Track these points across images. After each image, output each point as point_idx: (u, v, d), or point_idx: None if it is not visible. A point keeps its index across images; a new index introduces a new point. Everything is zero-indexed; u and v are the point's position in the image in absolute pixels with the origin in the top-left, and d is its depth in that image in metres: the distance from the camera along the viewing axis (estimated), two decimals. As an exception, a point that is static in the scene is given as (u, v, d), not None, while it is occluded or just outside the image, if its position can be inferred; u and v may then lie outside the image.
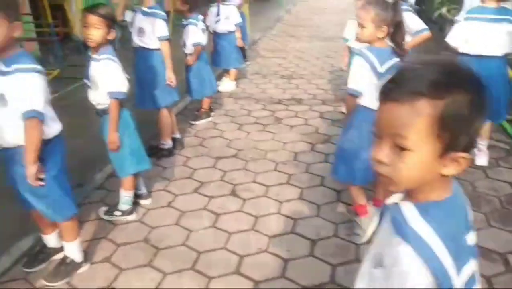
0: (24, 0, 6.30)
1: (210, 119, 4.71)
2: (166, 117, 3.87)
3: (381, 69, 2.39)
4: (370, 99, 2.40)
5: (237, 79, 5.83)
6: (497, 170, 3.46)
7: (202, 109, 4.67)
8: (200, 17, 4.38)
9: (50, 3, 6.77)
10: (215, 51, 5.40)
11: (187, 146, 4.12)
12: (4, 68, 2.06)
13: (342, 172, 2.65)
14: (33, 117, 2.09)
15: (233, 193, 3.33)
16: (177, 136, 4.07)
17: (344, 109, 4.73)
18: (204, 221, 3.00)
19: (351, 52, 4.48)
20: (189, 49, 4.32)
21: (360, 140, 2.47)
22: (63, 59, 6.46)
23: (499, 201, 3.06)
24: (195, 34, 4.26)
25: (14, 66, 2.06)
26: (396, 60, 2.42)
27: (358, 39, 2.51)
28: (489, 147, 3.74)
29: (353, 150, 2.54)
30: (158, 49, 3.67)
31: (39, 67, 2.12)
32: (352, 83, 2.47)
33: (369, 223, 2.70)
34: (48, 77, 5.61)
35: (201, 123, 4.62)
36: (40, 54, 6.55)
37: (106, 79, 2.73)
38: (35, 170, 2.14)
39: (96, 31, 2.65)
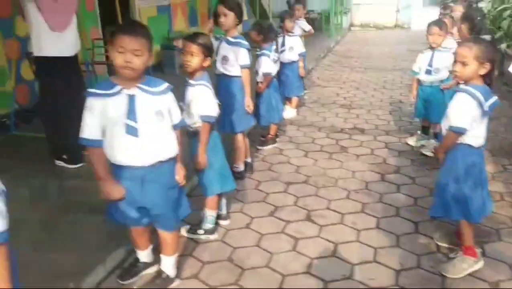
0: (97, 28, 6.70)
1: (276, 145, 4.81)
2: (241, 141, 3.99)
3: (486, 107, 2.42)
4: (473, 137, 2.44)
5: (298, 107, 5.94)
6: None
7: (269, 135, 4.78)
8: (273, 47, 4.55)
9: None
10: (279, 80, 5.53)
11: (257, 171, 4.21)
12: (154, 89, 2.25)
13: (454, 210, 2.63)
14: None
15: (309, 219, 3.38)
16: (249, 160, 4.18)
17: (410, 141, 4.75)
18: (283, 244, 3.06)
19: (420, 85, 4.53)
20: (260, 77, 4.47)
21: (468, 177, 2.52)
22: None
23: None
24: (266, 64, 4.43)
25: (161, 87, 2.29)
26: (495, 97, 2.45)
27: (458, 76, 2.53)
28: None
29: (464, 187, 2.56)
30: (239, 76, 3.82)
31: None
32: (457, 121, 2.46)
33: (473, 264, 2.70)
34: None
35: (267, 148, 4.72)
36: (108, 75, 6.88)
37: (200, 103, 2.89)
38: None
39: (193, 58, 2.83)
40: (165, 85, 2.30)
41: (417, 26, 14.80)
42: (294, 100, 5.83)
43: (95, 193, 3.50)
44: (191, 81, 2.93)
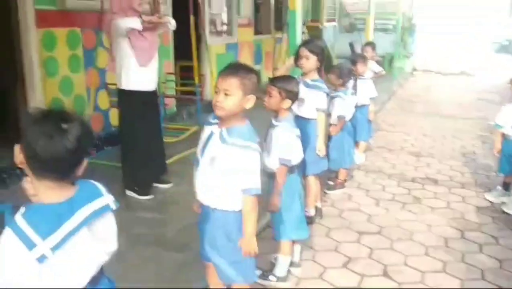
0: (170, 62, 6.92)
1: (344, 190, 4.66)
2: (313, 185, 3.88)
3: None
4: None
5: (365, 151, 5.79)
6: None
7: (338, 180, 4.65)
8: (350, 90, 4.47)
9: (184, 65, 7.35)
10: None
11: (326, 216, 4.07)
12: (227, 138, 2.14)
13: None
14: (254, 195, 2.17)
15: (386, 274, 3.18)
16: (319, 205, 4.05)
17: (489, 197, 4.48)
18: (361, 301, 2.88)
19: (505, 139, 4.29)
20: (334, 120, 4.38)
21: None
22: (195, 117, 6.91)
23: None
24: (341, 107, 4.34)
25: (237, 140, 2.12)
26: None
27: None
28: None
29: None
30: (314, 119, 3.76)
31: (257, 145, 2.18)
32: None
33: None
34: (186, 132, 6.02)
35: (336, 193, 4.58)
36: (176, 110, 7.04)
37: (279, 145, 2.85)
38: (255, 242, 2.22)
39: (270, 99, 2.88)
40: (245, 142, 2.12)
41: (484, 73, 14.38)
42: (362, 144, 5.67)
43: (165, 226, 3.51)
44: (274, 122, 2.93)
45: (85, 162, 1.47)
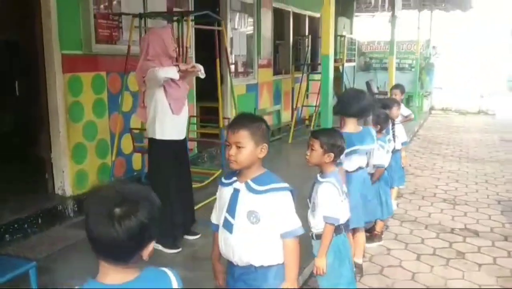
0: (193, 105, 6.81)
1: (381, 242, 4.39)
2: (351, 239, 3.64)
3: None
4: None
5: (397, 198, 5.53)
6: None
7: (375, 232, 4.38)
8: (388, 137, 4.28)
9: (204, 106, 7.24)
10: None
11: (367, 273, 3.80)
12: (256, 187, 2.09)
13: None
14: (295, 237, 2.11)
15: None
16: (359, 261, 3.78)
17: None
18: None
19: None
20: (370, 169, 4.16)
21: None
22: (216, 159, 6.74)
23: None
24: (380, 156, 4.13)
25: (267, 186, 2.08)
26: None
27: None
28: None
29: None
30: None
31: (288, 185, 2.14)
32: None
33: None
34: (210, 177, 5.83)
35: (373, 246, 4.31)
36: (197, 153, 6.86)
37: (324, 203, 2.69)
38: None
39: (312, 153, 2.75)
40: (275, 185, 2.08)
41: (503, 112, 14.18)
42: (394, 191, 5.40)
43: (198, 285, 3.26)
44: (319, 177, 2.77)
45: (150, 246, 1.34)
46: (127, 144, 5.37)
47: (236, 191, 2.15)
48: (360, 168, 3.55)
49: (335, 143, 2.76)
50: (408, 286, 3.63)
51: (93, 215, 1.25)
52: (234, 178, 2.17)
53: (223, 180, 2.23)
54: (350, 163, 3.45)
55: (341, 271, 2.72)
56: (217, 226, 2.25)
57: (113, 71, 5.15)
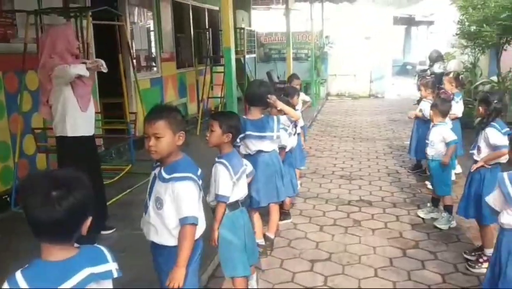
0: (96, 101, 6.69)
1: (290, 220, 4.77)
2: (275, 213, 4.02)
3: None
4: None
5: (300, 178, 5.98)
6: None
7: (283, 210, 4.75)
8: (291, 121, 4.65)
9: (107, 102, 7.15)
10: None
11: (276, 247, 4.14)
12: (164, 175, 2.27)
13: None
14: (191, 224, 2.24)
15: (344, 300, 3.30)
16: (272, 236, 4.11)
17: (421, 214, 4.83)
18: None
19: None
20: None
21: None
22: (124, 154, 6.72)
23: None
24: (283, 138, 4.47)
25: (172, 175, 2.24)
26: None
27: None
28: None
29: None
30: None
31: (194, 176, 2.28)
32: None
33: None
34: (120, 172, 5.82)
35: (282, 223, 4.67)
36: (104, 149, 6.77)
37: (215, 182, 2.91)
38: (184, 273, 2.24)
39: (212, 134, 2.92)
40: (178, 174, 2.23)
41: (390, 95, 15.57)
42: (297, 171, 5.86)
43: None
44: (216, 158, 2.96)
45: (88, 221, 1.48)
46: (29, 145, 5.20)
47: (154, 177, 2.35)
48: (261, 151, 3.84)
49: (232, 124, 2.95)
50: (313, 254, 4.03)
51: (33, 201, 1.36)
52: (158, 163, 2.35)
53: (154, 164, 2.40)
54: (246, 146, 3.76)
55: (233, 244, 2.92)
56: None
57: (10, 70, 4.94)
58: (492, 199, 2.58)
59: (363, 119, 11.36)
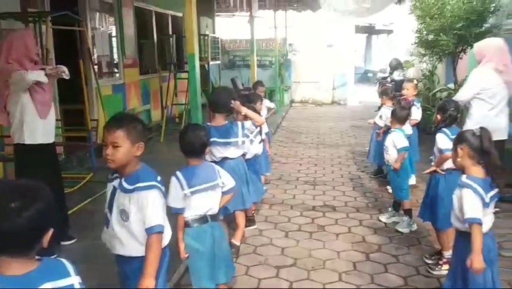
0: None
1: (255, 226, 4.78)
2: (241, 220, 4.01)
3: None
4: None
5: (265, 184, 6.01)
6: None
7: (248, 217, 4.75)
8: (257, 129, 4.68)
9: (67, 108, 6.96)
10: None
11: (242, 254, 4.14)
12: (127, 186, 2.25)
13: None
14: (157, 233, 2.22)
15: (309, 305, 3.33)
16: (238, 243, 4.10)
17: (382, 218, 4.93)
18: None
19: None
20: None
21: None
22: (85, 162, 6.56)
23: None
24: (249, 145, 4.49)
25: (135, 185, 2.23)
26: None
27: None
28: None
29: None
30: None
31: (158, 184, 2.28)
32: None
33: None
34: (82, 181, 5.68)
35: (248, 230, 4.67)
36: (64, 157, 6.59)
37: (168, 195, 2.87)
38: (154, 283, 2.20)
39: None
40: (142, 183, 2.21)
41: (352, 102, 15.87)
42: (262, 178, 5.89)
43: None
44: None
45: (49, 233, 1.44)
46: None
47: (114, 189, 2.30)
48: (226, 158, 3.85)
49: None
50: (278, 260, 4.05)
51: None
52: (116, 175, 2.31)
53: (109, 176, 2.36)
54: (211, 154, 3.76)
55: (198, 253, 2.90)
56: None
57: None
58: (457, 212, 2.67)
59: (326, 126, 11.53)
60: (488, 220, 2.68)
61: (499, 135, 4.43)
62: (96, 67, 8.03)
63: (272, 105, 6.86)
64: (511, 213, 5.05)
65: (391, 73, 11.16)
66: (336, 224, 4.92)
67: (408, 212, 4.69)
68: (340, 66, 15.80)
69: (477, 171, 2.68)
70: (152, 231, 2.20)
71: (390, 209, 5.00)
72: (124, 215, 2.25)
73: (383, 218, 4.95)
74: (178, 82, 9.94)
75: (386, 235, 4.58)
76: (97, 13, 8.41)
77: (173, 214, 2.85)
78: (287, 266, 3.93)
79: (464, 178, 2.69)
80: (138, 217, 2.22)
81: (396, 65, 11.12)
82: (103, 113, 6.90)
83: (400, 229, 4.63)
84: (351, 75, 16.69)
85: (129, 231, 2.27)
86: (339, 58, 15.69)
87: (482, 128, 2.75)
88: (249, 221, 4.75)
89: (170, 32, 11.13)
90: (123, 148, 2.17)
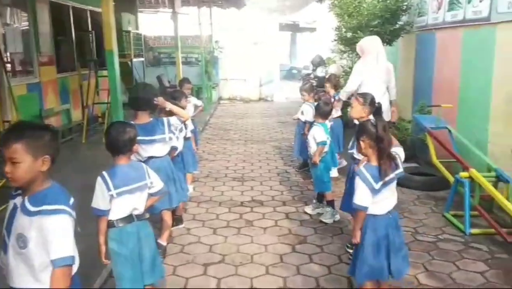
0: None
1: (183, 225, 4.71)
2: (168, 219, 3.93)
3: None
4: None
5: (193, 182, 5.95)
6: (464, 262, 3.91)
7: (176, 216, 4.68)
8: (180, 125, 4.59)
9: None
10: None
11: (169, 254, 4.07)
12: (30, 207, 1.91)
13: (364, 270, 2.88)
14: (66, 266, 1.93)
15: (237, 300, 3.34)
16: (164, 243, 4.02)
17: (307, 210, 5.07)
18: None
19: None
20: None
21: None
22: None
23: (478, 290, 3.45)
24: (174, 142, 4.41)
25: (39, 207, 1.90)
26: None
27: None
28: (447, 240, 4.27)
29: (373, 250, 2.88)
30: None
31: (68, 208, 1.97)
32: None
33: None
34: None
35: (175, 229, 4.59)
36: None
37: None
38: None
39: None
40: (48, 206, 1.89)
41: (278, 98, 16.15)
42: (189, 176, 5.81)
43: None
44: None
45: None
46: None
47: (15, 207, 1.98)
48: (152, 157, 3.77)
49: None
50: (206, 258, 4.02)
51: None
52: (19, 191, 2.00)
53: (12, 191, 2.03)
54: (136, 153, 3.63)
55: (120, 256, 2.82)
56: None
57: None
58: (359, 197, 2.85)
59: (254, 122, 11.64)
60: (385, 204, 2.91)
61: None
62: (9, 65, 7.55)
63: (199, 102, 6.79)
64: (426, 200, 5.40)
65: (314, 70, 11.49)
66: (263, 218, 4.98)
67: (330, 203, 4.86)
68: (267, 63, 16.01)
69: (375, 160, 2.86)
70: (59, 264, 1.89)
71: (314, 201, 5.15)
72: (21, 241, 1.90)
73: (308, 209, 5.08)
74: (99, 80, 9.55)
75: (311, 227, 4.70)
76: (8, 8, 7.87)
77: (96, 216, 2.75)
78: (215, 263, 3.92)
79: (360, 166, 2.90)
80: (39, 246, 1.89)
81: (319, 62, 11.47)
82: (16, 114, 6.51)
83: (324, 220, 4.78)
84: (277, 72, 16.97)
85: (25, 261, 1.92)
86: (265, 56, 15.89)
87: (377, 118, 2.93)
88: (177, 220, 4.69)
89: (90, 28, 10.66)
90: (23, 164, 1.86)
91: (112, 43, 4.44)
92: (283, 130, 10.37)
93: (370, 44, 5.72)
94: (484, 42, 5.30)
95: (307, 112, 6.18)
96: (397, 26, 7.30)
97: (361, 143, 2.90)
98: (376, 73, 5.51)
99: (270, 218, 4.96)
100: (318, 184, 4.95)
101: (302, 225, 4.75)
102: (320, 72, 10.89)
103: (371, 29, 7.08)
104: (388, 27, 7.09)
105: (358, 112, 3.82)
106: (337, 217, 4.78)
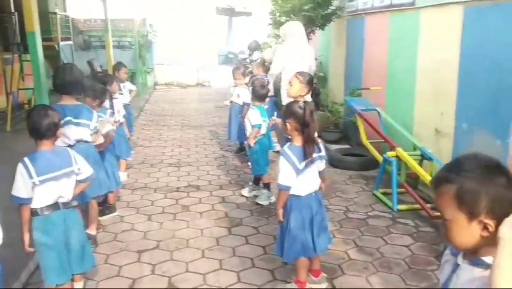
0: None
1: (116, 213, 4.58)
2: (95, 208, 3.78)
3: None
4: None
5: (126, 169, 5.80)
6: (391, 236, 4.10)
7: (107, 204, 4.54)
8: (108, 110, 4.44)
9: None
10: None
11: (101, 243, 3.95)
12: None
13: (292, 249, 2.95)
14: None
15: (172, 286, 3.31)
16: (93, 232, 3.89)
17: (244, 193, 5.11)
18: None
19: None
20: (100, 140, 4.25)
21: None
22: None
23: (405, 263, 3.64)
24: (104, 128, 4.25)
25: None
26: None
27: None
28: (377, 216, 4.46)
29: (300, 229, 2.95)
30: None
31: None
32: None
33: None
34: None
35: (107, 218, 4.46)
36: None
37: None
38: None
39: None
40: None
41: (216, 83, 16.05)
42: (123, 162, 5.66)
43: None
44: None
45: None
46: None
47: None
48: (80, 140, 3.62)
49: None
50: (140, 245, 3.95)
51: None
52: None
53: None
54: (64, 136, 3.46)
55: (45, 247, 2.72)
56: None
57: None
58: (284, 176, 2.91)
59: (191, 107, 11.51)
60: (308, 184, 2.99)
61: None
62: None
63: (133, 87, 6.62)
64: (357, 180, 5.61)
65: (250, 54, 11.50)
66: (200, 202, 4.95)
67: (266, 186, 4.92)
68: (204, 48, 15.84)
69: (299, 141, 2.93)
70: None
71: (250, 183, 5.19)
72: None
73: (245, 192, 5.12)
74: (24, 64, 9.01)
75: (247, 209, 4.74)
76: None
77: (17, 204, 2.60)
78: (150, 250, 3.86)
79: (284, 146, 2.95)
80: None
81: (255, 47, 11.49)
82: None
83: (260, 202, 4.83)
84: (214, 57, 16.85)
85: None
86: (202, 40, 15.70)
87: (305, 102, 2.99)
88: (110, 208, 4.56)
89: (12, 10, 10.00)
90: None
91: (33, 24, 4.20)
92: (221, 114, 10.33)
93: (293, 29, 5.78)
94: (409, 26, 5.53)
95: (244, 94, 6.19)
96: (329, 10, 7.43)
97: (287, 124, 2.95)
98: (298, 57, 5.55)
99: (206, 203, 4.94)
100: (254, 167, 4.99)
101: (238, 208, 4.78)
102: (256, 56, 10.92)
103: (304, 13, 7.16)
104: (320, 12, 7.20)
105: (297, 90, 3.88)
106: (273, 199, 4.85)
